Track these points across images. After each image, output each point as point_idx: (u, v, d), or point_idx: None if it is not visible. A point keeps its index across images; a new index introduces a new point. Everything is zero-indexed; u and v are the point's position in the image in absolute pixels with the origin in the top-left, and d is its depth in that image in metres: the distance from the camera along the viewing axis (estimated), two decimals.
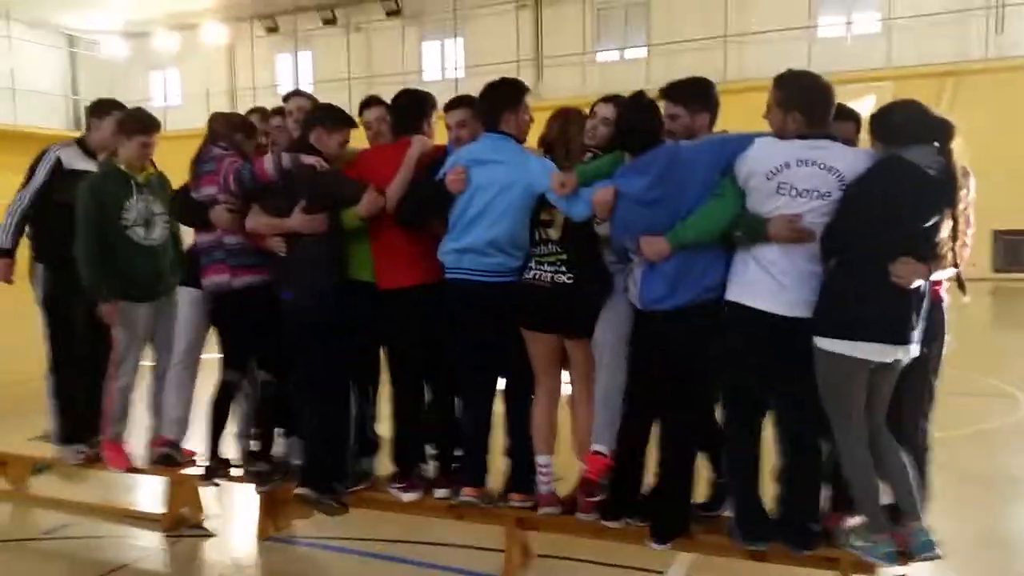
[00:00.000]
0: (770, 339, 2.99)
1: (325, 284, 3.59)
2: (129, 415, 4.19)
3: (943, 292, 3.14)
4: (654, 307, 3.16)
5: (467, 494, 3.48)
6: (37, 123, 21.16)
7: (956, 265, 2.92)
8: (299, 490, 3.60)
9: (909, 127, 2.86)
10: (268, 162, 3.56)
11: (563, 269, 3.33)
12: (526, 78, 21.41)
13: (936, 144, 2.81)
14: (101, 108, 4.44)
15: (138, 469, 4.17)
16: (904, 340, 2.84)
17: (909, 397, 3.08)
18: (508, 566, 3.52)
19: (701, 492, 3.40)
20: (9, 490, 4.55)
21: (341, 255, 3.66)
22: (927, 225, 2.77)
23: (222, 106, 17.20)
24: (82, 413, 4.33)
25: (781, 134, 3.01)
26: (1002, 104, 16.45)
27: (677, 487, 3.24)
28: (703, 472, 3.39)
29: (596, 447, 3.25)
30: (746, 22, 18.77)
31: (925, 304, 2.88)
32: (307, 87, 22.33)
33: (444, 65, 21.56)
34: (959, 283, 3.06)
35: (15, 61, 22.10)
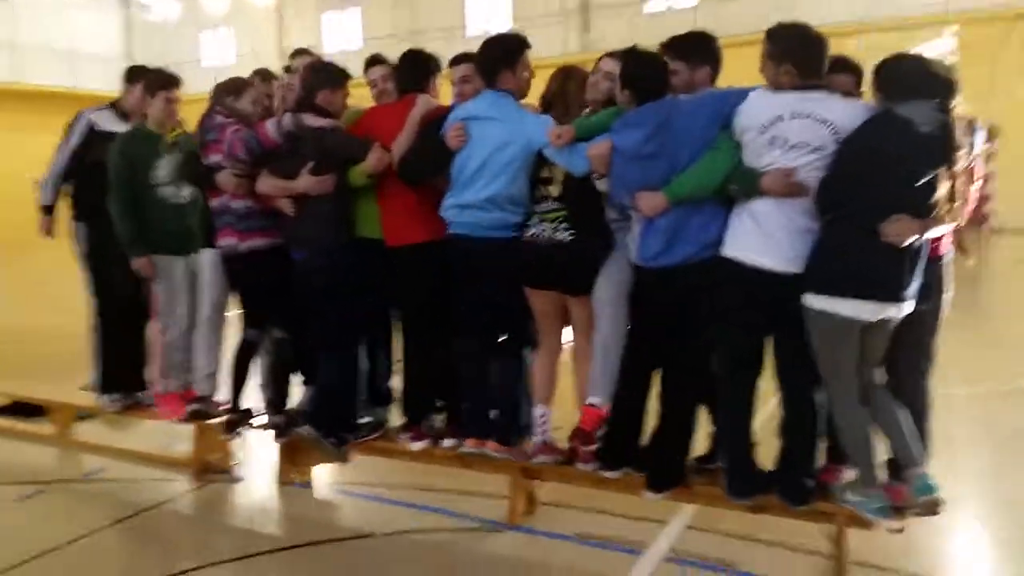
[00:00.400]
0: (764, 295, 2.99)
1: (335, 243, 3.70)
2: (183, 365, 4.36)
3: (946, 247, 3.08)
4: (651, 264, 3.17)
5: (469, 445, 3.60)
6: (95, 87, 21.79)
7: (957, 222, 2.87)
8: (301, 429, 3.78)
9: (909, 81, 2.78)
10: (271, 126, 3.65)
11: (563, 226, 3.36)
12: (573, 29, 21.23)
13: (937, 100, 2.73)
14: (132, 74, 4.62)
15: (185, 419, 4.32)
16: (895, 298, 2.81)
17: (906, 355, 3.05)
18: (512, 514, 3.63)
19: (703, 445, 3.45)
20: (54, 435, 4.84)
21: (349, 214, 3.75)
22: (920, 183, 2.71)
23: (271, 65, 17.40)
24: (122, 364, 4.58)
25: (776, 87, 2.97)
26: None
27: (673, 438, 3.29)
28: (704, 425, 3.43)
29: (591, 399, 3.31)
30: None
31: (921, 261, 2.84)
32: (355, 44, 22.46)
33: (489, 18, 21.33)
34: (959, 245, 2.99)
35: (73, 26, 22.66)
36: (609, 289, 3.31)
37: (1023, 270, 12.39)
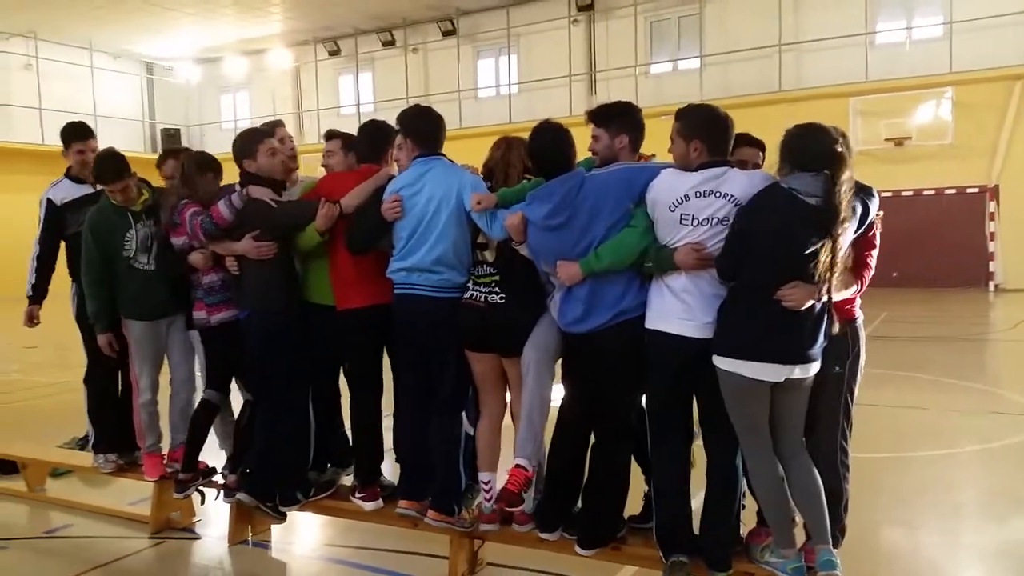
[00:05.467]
0: (685, 362, 3.09)
1: (277, 305, 3.85)
2: (158, 427, 4.46)
3: (856, 311, 3.16)
4: (571, 329, 3.29)
5: (404, 507, 3.66)
6: (119, 148, 22.40)
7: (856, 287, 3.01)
8: (238, 496, 3.88)
9: (802, 153, 2.90)
10: (223, 206, 3.82)
11: (496, 290, 3.48)
12: (579, 93, 21.68)
13: (826, 172, 2.83)
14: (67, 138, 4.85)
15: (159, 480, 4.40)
16: (797, 359, 2.89)
17: (823, 416, 3.11)
18: (452, 573, 3.67)
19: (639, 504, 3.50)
20: (25, 492, 4.95)
21: (294, 278, 3.93)
22: (810, 250, 2.81)
23: (290, 127, 17.83)
24: (116, 425, 4.63)
25: (685, 164, 3.11)
26: None
27: (603, 498, 3.35)
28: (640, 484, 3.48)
29: (518, 460, 3.37)
30: (802, 30, 18.46)
31: (822, 324, 2.92)
32: (368, 107, 23.08)
33: (498, 82, 21.88)
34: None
35: (98, 89, 23.48)
36: (533, 352, 3.40)
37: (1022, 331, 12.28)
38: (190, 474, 4.22)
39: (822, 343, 2.94)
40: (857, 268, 3.04)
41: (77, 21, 21.02)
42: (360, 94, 23.65)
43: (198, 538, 4.33)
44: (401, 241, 3.63)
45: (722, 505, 3.13)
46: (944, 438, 6.13)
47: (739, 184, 3.00)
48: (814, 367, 2.94)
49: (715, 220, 3.00)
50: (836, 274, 2.84)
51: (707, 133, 3.06)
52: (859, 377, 3.16)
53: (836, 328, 2.96)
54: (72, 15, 20.48)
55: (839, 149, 2.83)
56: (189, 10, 20.52)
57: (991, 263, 17.23)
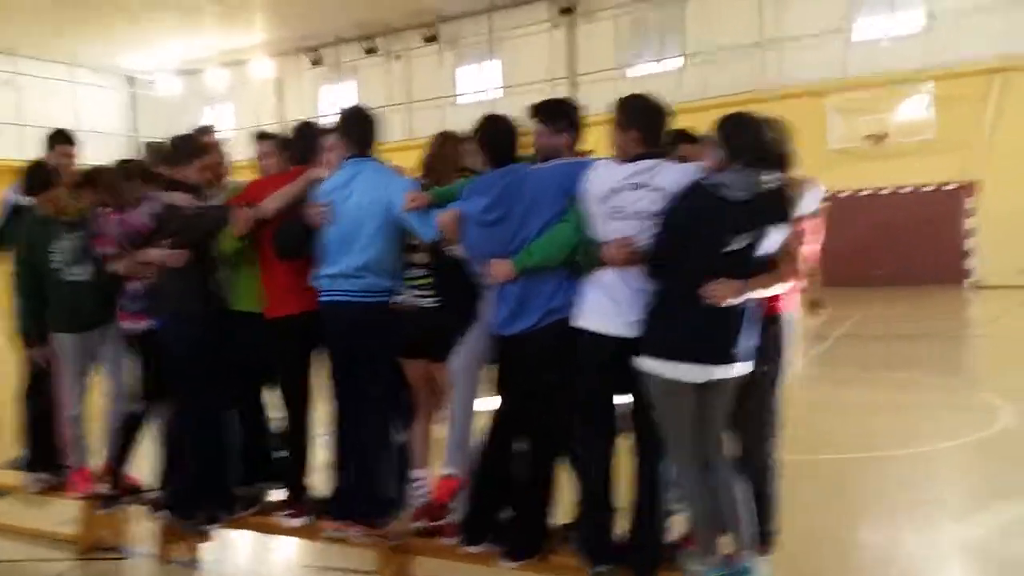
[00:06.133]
0: (612, 361, 2.94)
1: (193, 312, 3.70)
2: (85, 442, 4.29)
3: (787, 308, 3.02)
4: (503, 331, 3.16)
5: (329, 528, 3.52)
6: (101, 161, 22.31)
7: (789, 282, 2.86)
8: (158, 514, 3.73)
9: (734, 146, 2.77)
10: (142, 213, 3.70)
11: (428, 293, 3.35)
12: (560, 94, 21.53)
13: (757, 166, 2.71)
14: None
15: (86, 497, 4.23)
16: (721, 359, 2.75)
17: (752, 417, 2.97)
18: None
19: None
20: None
21: (213, 285, 3.77)
22: (734, 247, 2.67)
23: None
24: (48, 441, 4.43)
25: (623, 156, 2.97)
26: None
27: (529, 507, 3.20)
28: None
29: (445, 470, 3.23)
30: (782, 27, 18.38)
31: (749, 322, 2.78)
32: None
33: (481, 88, 21.78)
34: (810, 303, 2.94)
35: (80, 104, 23.37)
36: (461, 358, 3.28)
37: (1003, 325, 12.16)
38: (116, 490, 4.06)
39: (748, 343, 2.79)
40: (786, 263, 2.88)
41: (58, 36, 20.94)
42: (343, 103, 23.55)
43: (125, 558, 4.17)
44: (328, 246, 3.48)
45: (647, 511, 2.99)
46: (916, 437, 5.98)
47: (670, 177, 2.87)
48: (740, 367, 2.80)
49: (645, 214, 2.87)
50: (765, 271, 2.69)
51: (644, 123, 2.94)
52: (784, 375, 3.01)
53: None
54: (53, 30, 20.39)
55: (772, 143, 2.71)
56: (171, 23, 20.43)
57: (968, 260, 17.11)
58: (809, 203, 2.90)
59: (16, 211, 4.45)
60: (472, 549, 3.27)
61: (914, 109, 16.86)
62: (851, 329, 11.63)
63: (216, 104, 25.84)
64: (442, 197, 3.29)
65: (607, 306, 2.93)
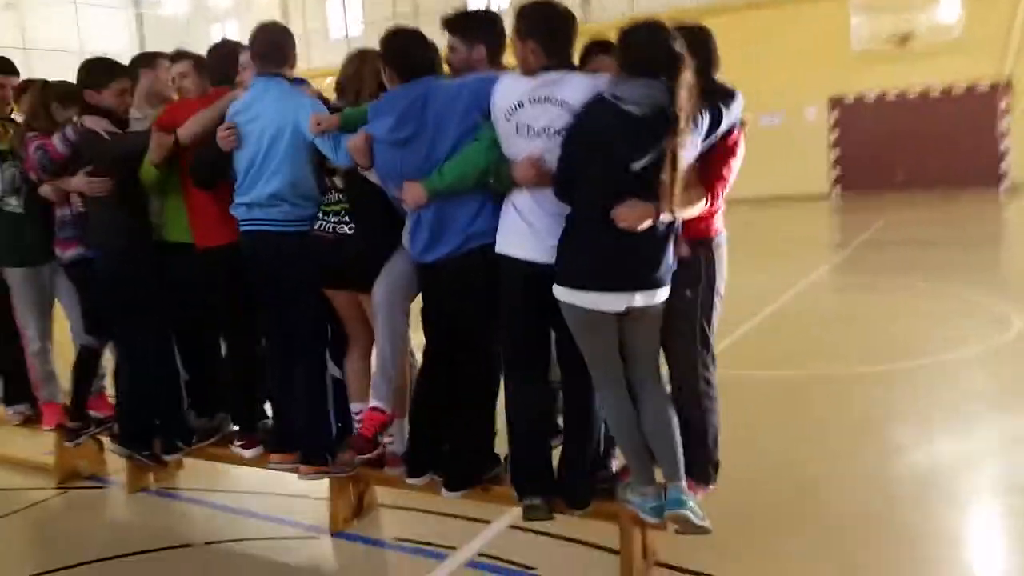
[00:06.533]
0: (533, 289, 2.82)
1: (122, 244, 3.66)
2: (54, 375, 4.33)
3: (717, 230, 2.88)
4: (420, 259, 3.05)
5: (275, 460, 3.53)
6: None
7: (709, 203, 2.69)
8: (111, 447, 3.76)
9: (633, 56, 2.59)
10: (57, 139, 3.61)
11: (346, 219, 3.24)
12: (572, 1, 20.75)
13: (661, 77, 2.52)
14: None
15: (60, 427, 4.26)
16: (640, 285, 2.62)
17: (676, 345, 2.88)
18: (334, 520, 3.55)
19: None
20: None
21: (143, 216, 3.70)
22: (640, 165, 2.52)
23: None
24: (23, 374, 4.44)
25: (525, 69, 2.79)
26: None
27: (466, 436, 3.17)
28: None
29: (371, 403, 3.20)
30: None
31: (668, 245, 2.64)
32: (357, 28, 22.40)
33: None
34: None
35: (84, 25, 23.01)
36: (381, 289, 3.18)
37: None
38: (78, 422, 4.12)
39: (669, 267, 2.67)
40: (708, 182, 2.73)
41: None
42: (348, 18, 22.96)
43: (101, 487, 4.26)
44: (240, 174, 3.37)
45: (578, 441, 2.94)
46: (925, 348, 5.92)
47: (576, 89, 2.68)
48: (660, 293, 2.68)
49: (552, 131, 2.71)
50: (677, 191, 2.54)
51: (543, 32, 2.74)
52: (717, 302, 2.90)
53: (684, 250, 2.70)
54: None
55: (675, 49, 2.51)
56: None
57: (1003, 162, 16.52)
58: (732, 115, 2.72)
59: None
60: (414, 480, 3.26)
61: (941, 6, 16.01)
62: (874, 235, 11.39)
63: (222, 22, 25.36)
64: (351, 119, 3.13)
65: (524, 231, 2.80)
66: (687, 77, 2.51)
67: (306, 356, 3.44)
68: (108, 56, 3.99)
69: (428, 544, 3.35)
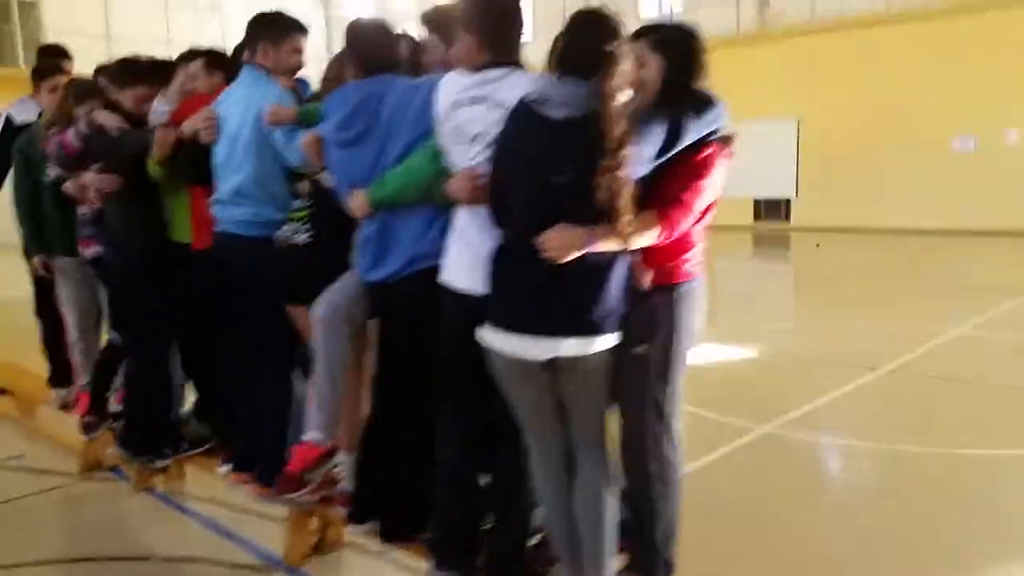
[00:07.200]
0: (467, 326, 2.41)
1: (133, 243, 3.61)
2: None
3: (687, 275, 2.35)
4: (366, 277, 2.74)
5: (231, 480, 3.38)
6: None
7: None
8: (112, 450, 3.72)
9: (566, 53, 2.15)
10: (71, 133, 3.63)
11: (306, 227, 3.02)
12: (749, 5, 19.61)
13: (591, 77, 2.08)
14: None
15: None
16: (565, 331, 2.14)
17: (626, 411, 2.37)
18: (288, 551, 3.29)
19: None
20: (16, 415, 5.21)
21: (156, 214, 3.64)
22: (563, 180, 2.07)
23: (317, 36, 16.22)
24: (66, 359, 4.66)
25: (468, 66, 2.42)
26: None
27: (411, 482, 2.81)
28: None
29: (305, 436, 2.92)
30: None
31: (609, 282, 2.15)
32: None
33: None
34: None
35: (172, 14, 23.04)
36: (321, 308, 2.89)
37: None
38: (96, 416, 4.16)
39: (611, 310, 2.17)
40: (661, 206, 2.19)
41: None
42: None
43: (115, 481, 4.27)
44: (216, 168, 3.23)
45: (504, 509, 2.54)
46: None
47: (516, 89, 2.27)
48: (599, 342, 2.17)
49: (488, 138, 2.33)
50: (617, 215, 2.06)
51: (486, 25, 2.37)
52: (678, 363, 2.35)
53: (645, 281, 2.21)
54: None
55: (606, 46, 2.05)
56: None
57: None
58: (703, 126, 2.20)
59: (15, 128, 4.55)
60: (353, 528, 2.96)
61: None
62: None
63: (404, 24, 26.05)
64: (309, 114, 2.90)
65: (464, 256, 2.43)
66: (621, 78, 2.04)
67: (267, 372, 3.25)
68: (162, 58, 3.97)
69: None
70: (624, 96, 2.05)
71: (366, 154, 2.63)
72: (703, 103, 2.22)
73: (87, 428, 4.18)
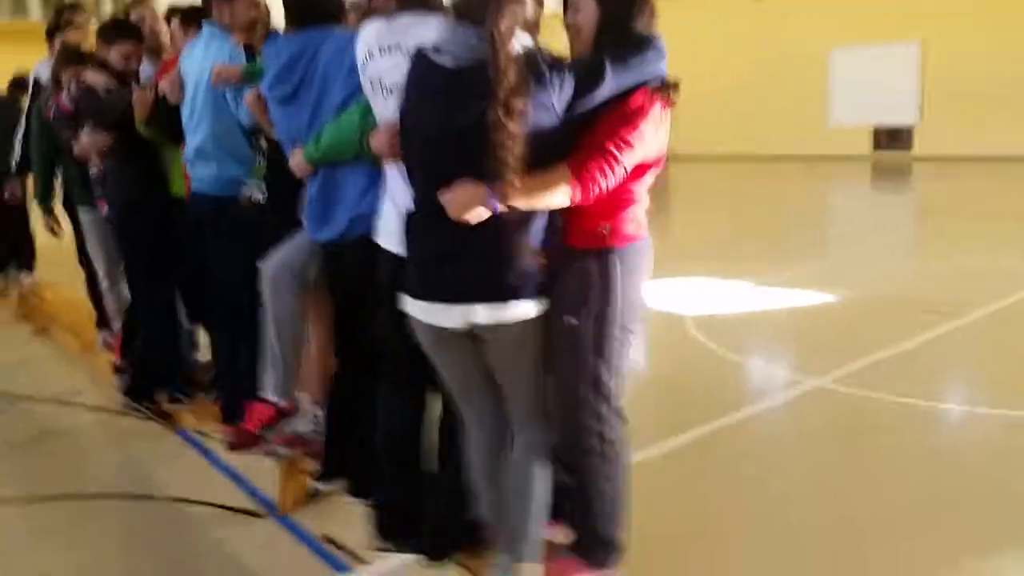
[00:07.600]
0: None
1: (133, 199, 3.65)
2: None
3: (625, 238, 2.08)
4: (312, 237, 2.66)
5: (220, 433, 3.40)
6: None
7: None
8: (121, 398, 3.85)
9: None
10: (64, 94, 3.67)
11: (264, 184, 2.95)
12: None
13: (480, 23, 1.84)
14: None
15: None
16: (476, 296, 1.96)
17: (560, 385, 2.16)
18: (281, 499, 3.29)
19: None
20: (77, 352, 5.47)
21: (154, 170, 3.65)
22: (453, 131, 1.87)
23: None
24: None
25: (384, 11, 2.24)
26: None
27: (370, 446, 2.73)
28: None
29: (260, 393, 2.87)
30: None
31: (524, 243, 1.95)
32: None
33: None
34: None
35: None
36: (269, 265, 2.82)
37: None
38: (125, 361, 4.30)
39: (526, 274, 1.97)
40: (579, 159, 1.93)
41: None
42: None
43: (152, 419, 4.43)
44: (184, 127, 3.20)
45: (443, 479, 2.45)
46: None
47: (428, 36, 2.04)
48: (512, 308, 1.98)
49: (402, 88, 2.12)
50: (514, 169, 1.83)
51: None
52: (617, 334, 2.11)
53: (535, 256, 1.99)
54: None
55: None
56: None
57: None
58: (635, 73, 1.92)
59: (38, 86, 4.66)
60: (323, 486, 2.93)
61: None
62: None
63: None
64: (253, 71, 2.80)
65: (392, 215, 2.28)
66: (510, 21, 1.80)
67: (246, 330, 3.21)
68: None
69: (345, 551, 3.01)
70: (516, 42, 1.82)
71: (303, 110, 2.52)
72: (640, 45, 1.95)
73: (117, 371, 4.34)
